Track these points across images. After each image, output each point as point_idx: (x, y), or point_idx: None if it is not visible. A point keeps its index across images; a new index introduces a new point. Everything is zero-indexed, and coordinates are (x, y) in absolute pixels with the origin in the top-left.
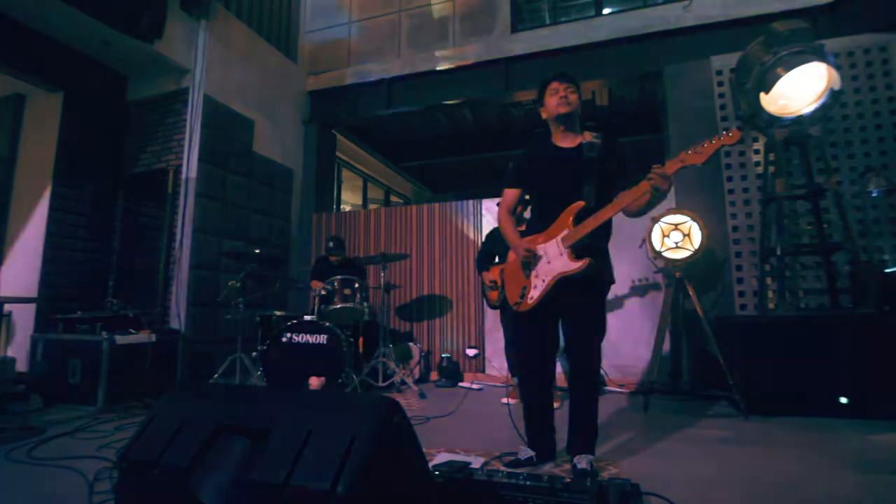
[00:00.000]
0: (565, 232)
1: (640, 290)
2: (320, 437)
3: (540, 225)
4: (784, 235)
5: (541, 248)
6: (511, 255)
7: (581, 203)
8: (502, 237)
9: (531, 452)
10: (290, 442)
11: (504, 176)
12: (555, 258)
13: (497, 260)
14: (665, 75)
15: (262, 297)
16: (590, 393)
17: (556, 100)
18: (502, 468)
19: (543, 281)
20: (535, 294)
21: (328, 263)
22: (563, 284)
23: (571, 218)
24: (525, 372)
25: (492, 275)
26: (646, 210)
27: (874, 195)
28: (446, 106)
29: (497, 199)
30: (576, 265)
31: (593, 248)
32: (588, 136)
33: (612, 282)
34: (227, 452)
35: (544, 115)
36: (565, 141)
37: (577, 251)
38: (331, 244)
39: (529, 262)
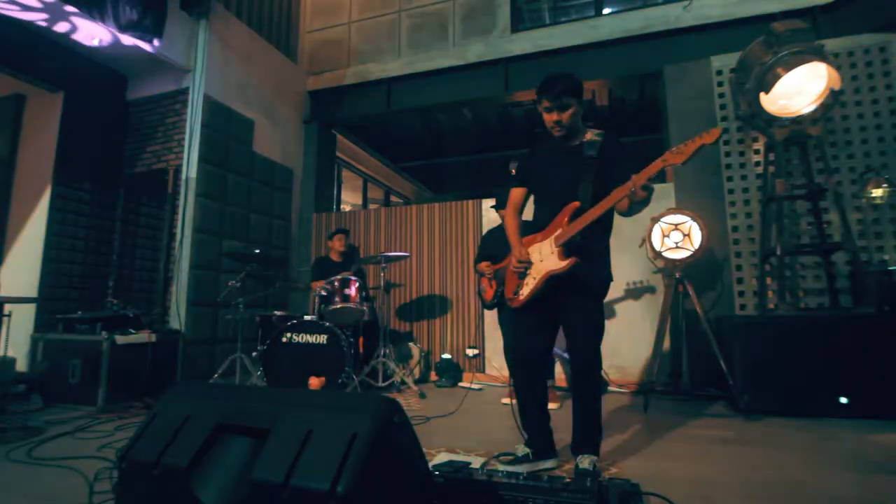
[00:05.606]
0: (559, 231)
1: (639, 290)
2: (320, 437)
3: (540, 223)
4: (784, 235)
5: (536, 248)
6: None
7: (577, 203)
8: (499, 239)
9: (527, 450)
10: (290, 442)
11: (513, 176)
12: (546, 256)
13: (494, 262)
14: (665, 75)
15: (262, 297)
16: (591, 393)
17: (549, 122)
18: (502, 468)
19: (534, 279)
20: (525, 291)
21: (329, 264)
22: (558, 284)
23: (567, 217)
24: (516, 368)
25: (484, 266)
26: (631, 212)
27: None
28: (446, 106)
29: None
30: (562, 264)
31: (587, 247)
32: (589, 135)
33: (611, 280)
34: (228, 452)
35: None
36: (566, 140)
37: (567, 250)
38: (339, 233)
39: (520, 269)
